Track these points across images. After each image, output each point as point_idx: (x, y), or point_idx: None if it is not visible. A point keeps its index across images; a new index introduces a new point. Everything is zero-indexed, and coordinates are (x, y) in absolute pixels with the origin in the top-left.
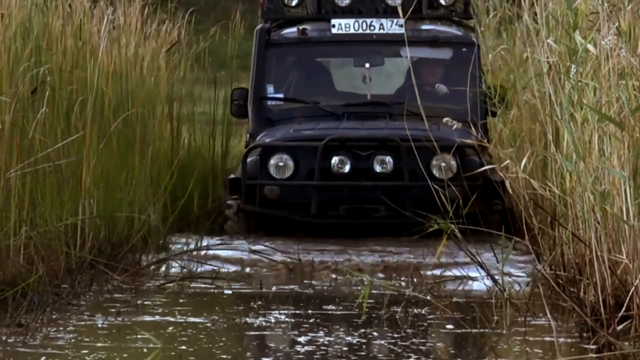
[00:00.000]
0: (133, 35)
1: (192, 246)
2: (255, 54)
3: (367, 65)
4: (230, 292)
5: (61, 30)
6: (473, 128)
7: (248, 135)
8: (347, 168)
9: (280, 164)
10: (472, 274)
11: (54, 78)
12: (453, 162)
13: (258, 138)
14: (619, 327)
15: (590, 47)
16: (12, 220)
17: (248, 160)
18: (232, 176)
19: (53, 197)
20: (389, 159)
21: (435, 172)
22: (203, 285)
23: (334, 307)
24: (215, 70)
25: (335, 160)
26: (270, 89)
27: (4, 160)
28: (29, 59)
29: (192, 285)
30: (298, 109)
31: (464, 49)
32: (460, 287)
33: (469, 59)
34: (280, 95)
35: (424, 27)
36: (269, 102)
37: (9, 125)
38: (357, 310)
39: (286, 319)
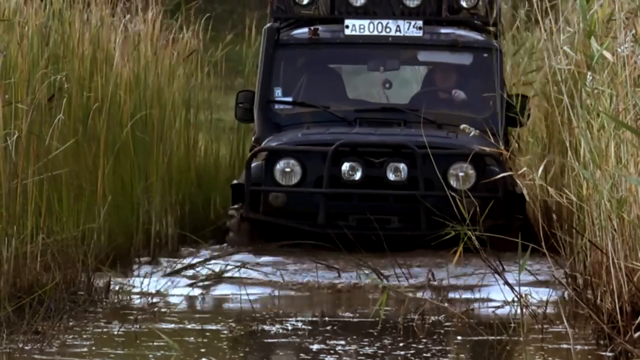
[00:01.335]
0: (151, 43)
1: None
2: (263, 54)
3: (382, 69)
4: (247, 298)
5: (78, 38)
6: (493, 137)
7: (253, 140)
8: (358, 175)
9: (287, 169)
10: (490, 282)
11: (71, 85)
12: (471, 172)
13: (264, 143)
14: (636, 335)
15: (606, 54)
16: (29, 227)
17: (252, 165)
18: (235, 182)
19: (70, 204)
20: (403, 166)
21: (452, 181)
22: (220, 293)
23: (351, 315)
24: (232, 78)
25: (345, 166)
26: (278, 92)
27: (21, 167)
28: (46, 66)
29: (209, 292)
30: (307, 114)
31: (485, 55)
32: (478, 295)
33: (490, 65)
34: (289, 99)
35: (443, 30)
36: (276, 106)
37: (25, 132)
38: (374, 317)
39: (303, 326)
